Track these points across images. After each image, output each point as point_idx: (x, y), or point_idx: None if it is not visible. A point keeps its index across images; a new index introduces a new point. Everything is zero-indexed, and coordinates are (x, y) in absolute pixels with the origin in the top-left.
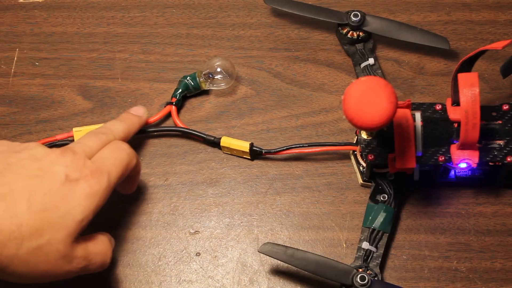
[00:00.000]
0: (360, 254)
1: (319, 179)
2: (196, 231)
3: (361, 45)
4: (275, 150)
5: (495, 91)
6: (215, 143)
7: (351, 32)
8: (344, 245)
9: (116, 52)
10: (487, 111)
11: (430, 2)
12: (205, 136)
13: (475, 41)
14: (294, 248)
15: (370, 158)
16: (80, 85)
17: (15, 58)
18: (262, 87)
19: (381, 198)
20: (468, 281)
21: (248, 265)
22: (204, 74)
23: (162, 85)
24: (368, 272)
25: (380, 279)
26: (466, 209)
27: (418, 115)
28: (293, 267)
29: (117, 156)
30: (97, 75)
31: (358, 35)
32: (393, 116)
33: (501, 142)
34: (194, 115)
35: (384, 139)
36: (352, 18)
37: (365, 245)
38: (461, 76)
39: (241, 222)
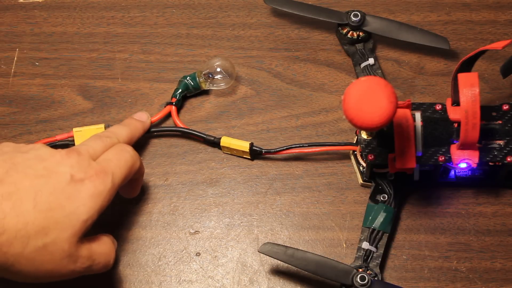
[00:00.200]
0: (360, 254)
1: (319, 179)
2: (196, 231)
3: (361, 45)
4: (275, 150)
5: (495, 91)
6: (215, 143)
7: (351, 32)
8: (344, 245)
9: (116, 52)
10: (487, 111)
11: (430, 2)
12: (205, 136)
13: (475, 41)
14: (294, 248)
15: (370, 158)
16: (80, 85)
17: (15, 58)
18: (262, 87)
19: (381, 198)
20: (468, 281)
21: (248, 265)
22: (204, 74)
23: (162, 85)
24: (368, 272)
25: (380, 279)
26: (466, 209)
27: (418, 115)
28: (293, 267)
29: (121, 158)
30: (97, 75)
31: (358, 35)
32: (393, 116)
33: (501, 142)
34: (194, 115)
35: (384, 139)
36: (352, 18)
37: (365, 245)
38: (461, 76)
39: (241, 222)
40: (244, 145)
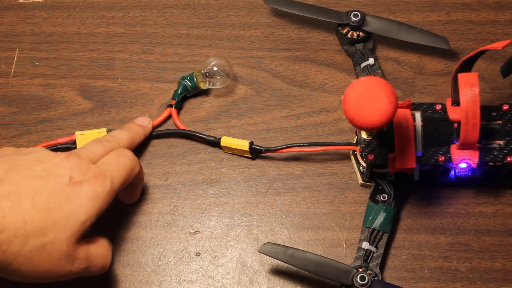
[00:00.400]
0: (360, 254)
1: (319, 179)
2: (196, 231)
3: (361, 45)
4: (275, 148)
5: (495, 91)
6: (215, 143)
7: (351, 32)
8: (344, 245)
9: (116, 52)
10: (487, 111)
11: (430, 2)
12: (205, 137)
13: (475, 41)
14: (294, 248)
15: (370, 158)
16: (80, 85)
17: (15, 58)
18: (262, 87)
19: (381, 198)
20: (468, 281)
21: (248, 265)
22: (202, 74)
23: (162, 85)
24: (368, 272)
25: (380, 279)
26: (466, 209)
27: (418, 115)
28: (293, 267)
29: (121, 162)
30: (97, 75)
31: (358, 35)
32: (393, 116)
33: (501, 142)
34: (194, 115)
35: (384, 139)
36: (352, 18)
37: (365, 245)
38: (461, 76)
39: (241, 222)
40: (244, 144)
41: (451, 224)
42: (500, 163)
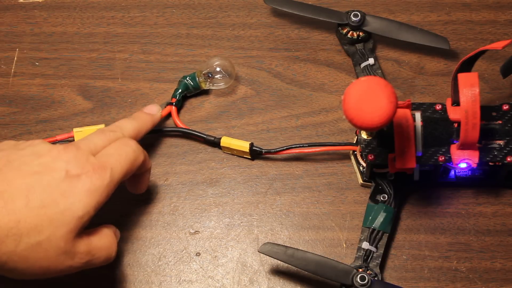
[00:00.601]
0: (360, 254)
1: (319, 179)
2: (196, 231)
3: (361, 45)
4: (275, 150)
5: (495, 91)
6: (215, 143)
7: (351, 32)
8: (344, 245)
9: (116, 52)
10: (487, 111)
11: (430, 2)
12: (205, 137)
13: (475, 41)
14: (294, 248)
15: (370, 158)
16: (80, 85)
17: (15, 58)
18: (262, 87)
19: (381, 198)
20: (468, 281)
21: (248, 265)
22: (204, 74)
23: (162, 85)
24: (368, 272)
25: (380, 279)
26: (466, 209)
27: (418, 115)
28: (293, 267)
29: (122, 153)
30: (97, 75)
31: (358, 35)
32: (393, 116)
33: (501, 142)
34: (194, 115)
35: (384, 139)
36: (352, 18)
37: (365, 245)
38: (461, 76)
39: (241, 222)
40: (244, 145)
41: (451, 224)
42: (500, 163)
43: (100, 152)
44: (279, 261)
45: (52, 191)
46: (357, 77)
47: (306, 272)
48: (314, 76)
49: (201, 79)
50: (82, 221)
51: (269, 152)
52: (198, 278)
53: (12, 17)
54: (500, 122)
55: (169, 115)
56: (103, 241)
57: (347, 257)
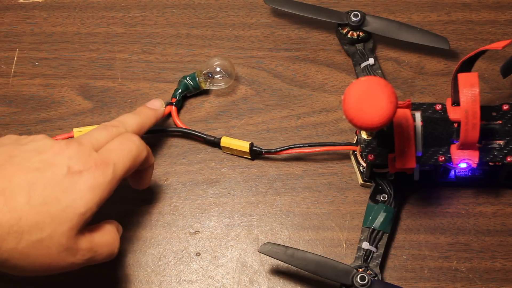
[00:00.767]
0: (360, 254)
1: (319, 179)
2: (196, 231)
3: (361, 45)
4: (275, 150)
5: (495, 91)
6: (215, 143)
7: (351, 32)
8: (344, 245)
9: (116, 52)
10: (487, 111)
11: (430, 2)
12: (205, 137)
13: (475, 41)
14: (294, 248)
15: (370, 158)
16: (80, 85)
17: (15, 58)
18: (262, 87)
19: (381, 198)
20: (468, 281)
21: (248, 265)
22: (204, 74)
23: (162, 85)
24: (368, 272)
25: (380, 279)
26: (466, 209)
27: (418, 115)
28: (293, 267)
29: (125, 148)
30: (97, 75)
31: (358, 35)
32: (393, 116)
33: (501, 142)
34: (194, 115)
35: (384, 139)
36: (352, 18)
37: (365, 245)
38: (461, 76)
39: (241, 222)
40: (244, 145)
41: (451, 224)
42: (500, 163)
43: (103, 147)
44: (279, 261)
45: (53, 187)
46: (357, 77)
47: (306, 272)
48: (314, 76)
49: (201, 79)
50: (84, 218)
51: (269, 152)
52: (198, 278)
53: (12, 17)
54: (500, 122)
55: (169, 115)
56: (106, 237)
57: (347, 257)
